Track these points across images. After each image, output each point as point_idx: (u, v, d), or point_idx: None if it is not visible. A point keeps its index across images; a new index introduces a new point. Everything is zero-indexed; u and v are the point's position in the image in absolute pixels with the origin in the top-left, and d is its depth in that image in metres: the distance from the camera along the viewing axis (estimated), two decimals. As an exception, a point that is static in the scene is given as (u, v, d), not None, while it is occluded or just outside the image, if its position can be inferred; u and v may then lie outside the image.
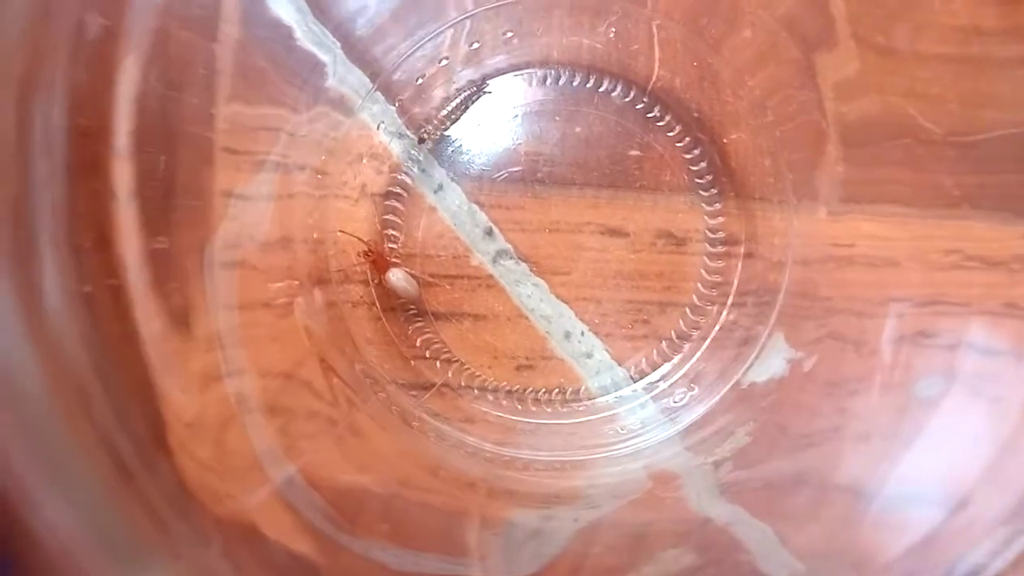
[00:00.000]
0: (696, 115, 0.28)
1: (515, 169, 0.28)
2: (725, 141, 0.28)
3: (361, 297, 0.27)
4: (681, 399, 0.27)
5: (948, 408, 0.20)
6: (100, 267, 0.15)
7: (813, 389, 0.24)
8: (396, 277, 0.27)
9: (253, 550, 0.16)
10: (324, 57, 0.25)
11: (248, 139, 0.22)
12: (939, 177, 0.23)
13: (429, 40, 0.28)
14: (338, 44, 0.25)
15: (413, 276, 0.27)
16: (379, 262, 0.27)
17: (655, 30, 0.28)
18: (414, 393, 0.27)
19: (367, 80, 0.27)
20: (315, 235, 0.27)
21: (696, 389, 0.27)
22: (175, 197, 0.18)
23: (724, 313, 0.28)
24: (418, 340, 0.27)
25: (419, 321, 0.28)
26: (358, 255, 0.27)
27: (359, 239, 0.27)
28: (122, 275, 0.16)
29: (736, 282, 0.28)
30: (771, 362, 0.25)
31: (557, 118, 0.28)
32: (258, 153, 0.23)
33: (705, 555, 0.20)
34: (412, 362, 0.27)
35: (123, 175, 0.16)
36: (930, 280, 0.23)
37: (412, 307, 0.27)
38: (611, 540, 0.22)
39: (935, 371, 0.22)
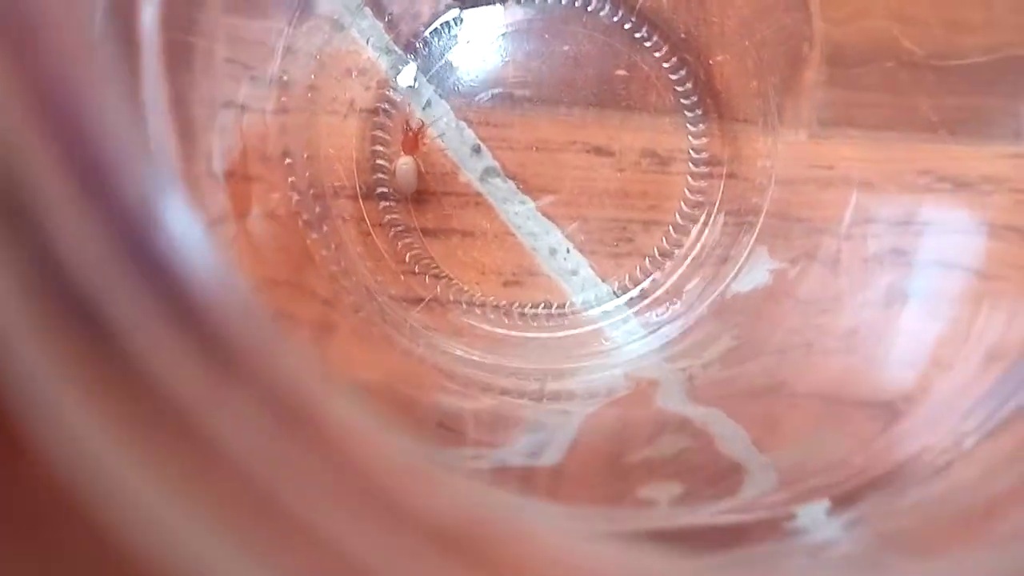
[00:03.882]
0: (683, 36, 0.28)
1: (503, 87, 0.28)
2: (711, 63, 0.29)
3: (351, 213, 0.28)
4: (663, 313, 0.28)
5: (914, 321, 0.22)
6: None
7: (790, 304, 0.25)
8: (404, 164, 0.27)
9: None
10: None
11: (243, 52, 0.22)
12: (918, 100, 0.24)
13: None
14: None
15: (422, 174, 0.27)
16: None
17: (644, -54, 0.28)
18: (404, 305, 0.27)
19: (357, -7, 0.27)
20: (306, 155, 0.27)
21: (678, 304, 0.28)
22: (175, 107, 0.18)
23: (706, 232, 0.28)
24: (407, 256, 0.28)
25: (407, 237, 0.28)
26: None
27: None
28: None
29: (718, 202, 0.28)
30: (755, 274, 0.26)
31: (546, 36, 0.28)
32: (253, 67, 0.23)
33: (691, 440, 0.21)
34: (401, 276, 0.28)
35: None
36: (904, 201, 0.24)
37: (398, 220, 0.28)
38: (598, 436, 0.23)
39: (905, 286, 0.23)
